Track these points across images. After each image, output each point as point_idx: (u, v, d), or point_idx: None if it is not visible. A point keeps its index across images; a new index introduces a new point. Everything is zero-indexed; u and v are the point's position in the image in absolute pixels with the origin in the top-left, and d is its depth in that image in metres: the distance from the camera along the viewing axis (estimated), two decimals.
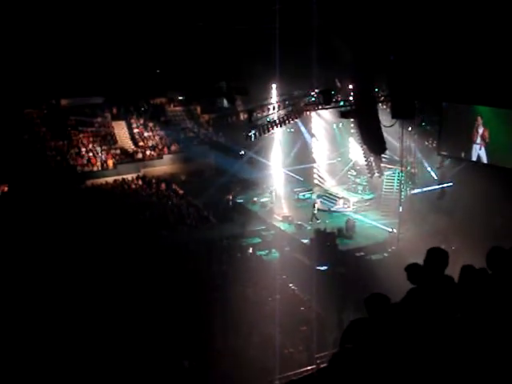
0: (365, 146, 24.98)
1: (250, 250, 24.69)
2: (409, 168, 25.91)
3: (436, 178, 25.57)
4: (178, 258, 22.26)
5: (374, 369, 3.87)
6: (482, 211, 20.87)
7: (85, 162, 31.42)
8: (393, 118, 19.56)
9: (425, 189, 25.52)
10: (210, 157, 33.94)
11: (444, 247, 5.13)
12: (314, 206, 27.16)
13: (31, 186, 26.67)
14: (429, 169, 25.95)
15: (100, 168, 31.59)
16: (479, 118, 19.94)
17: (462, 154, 21.32)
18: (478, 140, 20.17)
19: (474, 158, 20.55)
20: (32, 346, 15.37)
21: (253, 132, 23.40)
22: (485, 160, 20.13)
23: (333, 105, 23.72)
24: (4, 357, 14.22)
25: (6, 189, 28.54)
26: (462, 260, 4.98)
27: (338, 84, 25.07)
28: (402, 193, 25.00)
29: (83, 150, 32.10)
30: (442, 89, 20.17)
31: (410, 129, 24.48)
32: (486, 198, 20.44)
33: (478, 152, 20.35)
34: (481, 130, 19.98)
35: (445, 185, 24.75)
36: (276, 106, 24.28)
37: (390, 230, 24.28)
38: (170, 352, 15.55)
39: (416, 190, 25.69)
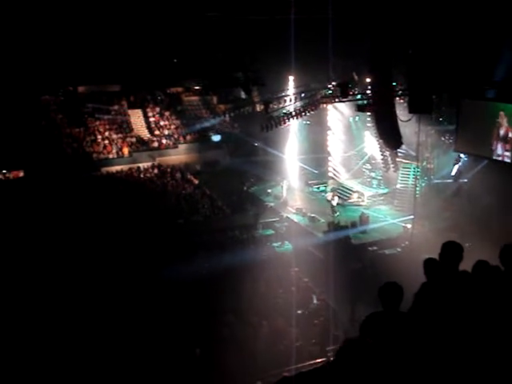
0: (381, 140, 24.84)
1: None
2: (425, 163, 25.70)
3: (452, 174, 25.27)
4: (190, 247, 22.34)
5: (384, 361, 3.85)
6: (499, 210, 20.54)
7: (100, 149, 31.61)
8: (410, 112, 19.33)
9: (439, 181, 25.25)
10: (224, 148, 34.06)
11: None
12: (334, 199, 26.88)
13: (47, 172, 26.88)
14: (445, 165, 25.62)
15: (115, 156, 31.78)
16: (502, 115, 19.00)
17: (482, 153, 20.50)
18: (499, 146, 19.08)
19: (495, 157, 19.64)
20: (49, 328, 15.57)
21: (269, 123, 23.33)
22: (508, 159, 18.92)
23: (350, 98, 23.55)
24: (3, 354, 14.22)
25: (21, 174, 28.84)
26: (477, 257, 4.95)
27: (356, 77, 24.90)
28: (417, 188, 24.81)
29: (99, 137, 32.32)
30: (461, 84, 19.80)
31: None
32: (504, 196, 20.08)
33: (502, 154, 19.36)
34: (503, 130, 19.11)
35: (461, 181, 24.47)
36: (292, 97, 24.15)
37: (404, 224, 24.13)
38: (181, 340, 15.62)
39: (431, 182, 25.47)
